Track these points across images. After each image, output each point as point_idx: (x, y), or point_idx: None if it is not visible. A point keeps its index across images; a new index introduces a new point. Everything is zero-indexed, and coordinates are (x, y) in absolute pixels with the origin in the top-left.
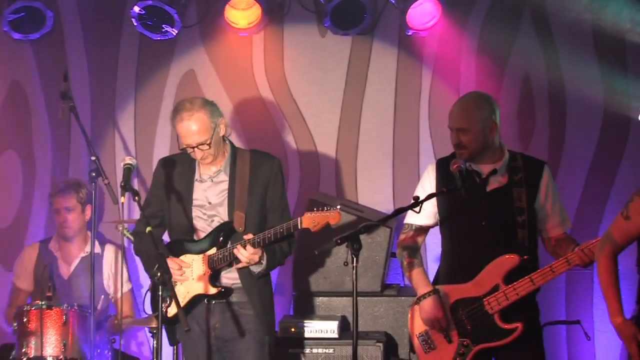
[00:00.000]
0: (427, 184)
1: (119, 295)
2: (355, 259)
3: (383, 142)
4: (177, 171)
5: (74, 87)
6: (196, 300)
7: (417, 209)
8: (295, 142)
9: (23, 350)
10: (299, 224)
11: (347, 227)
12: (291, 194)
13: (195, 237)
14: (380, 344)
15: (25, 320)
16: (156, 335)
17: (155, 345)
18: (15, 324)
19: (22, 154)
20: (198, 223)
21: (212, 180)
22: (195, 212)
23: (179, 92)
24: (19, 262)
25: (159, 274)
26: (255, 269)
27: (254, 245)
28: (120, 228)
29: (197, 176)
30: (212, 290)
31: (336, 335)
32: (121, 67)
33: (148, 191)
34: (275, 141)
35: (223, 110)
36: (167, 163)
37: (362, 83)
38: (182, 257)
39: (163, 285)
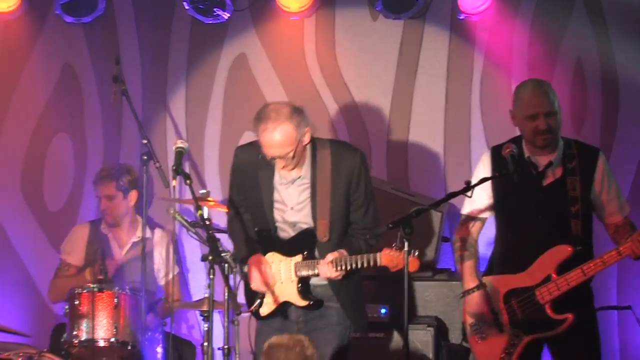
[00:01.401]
0: (482, 172)
1: (169, 278)
2: (406, 243)
3: (434, 126)
4: (254, 164)
5: (126, 70)
6: (285, 305)
7: (469, 193)
8: (346, 126)
9: (74, 332)
10: (378, 261)
11: (399, 212)
12: None
13: (277, 236)
14: (431, 329)
15: (77, 303)
16: (207, 318)
17: (207, 328)
18: (66, 307)
19: (74, 137)
20: (279, 224)
21: (293, 182)
22: (275, 214)
23: (230, 75)
24: (68, 240)
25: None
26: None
27: (335, 268)
28: (172, 211)
29: (277, 176)
30: (302, 303)
31: (386, 320)
32: (173, 50)
33: (231, 180)
34: (326, 125)
35: (275, 95)
36: (245, 153)
37: (413, 67)
38: (269, 255)
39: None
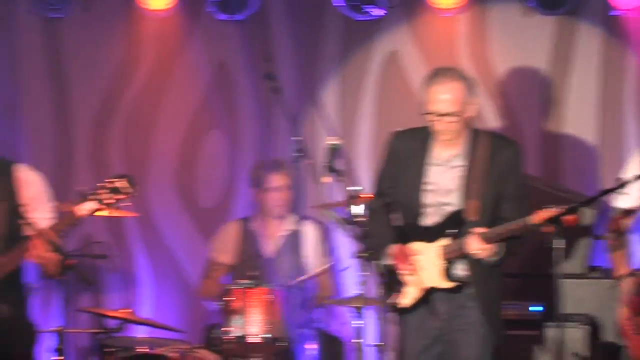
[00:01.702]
0: (636, 167)
1: (321, 273)
2: (560, 240)
3: (588, 124)
4: (410, 148)
5: (279, 67)
6: (431, 291)
7: (624, 190)
8: (498, 123)
9: (227, 328)
10: (529, 221)
11: None
12: None
13: (423, 223)
14: (585, 327)
15: (229, 299)
16: (359, 315)
17: (359, 325)
18: (220, 303)
19: (227, 135)
20: (427, 208)
21: (447, 164)
22: (426, 197)
23: (383, 72)
24: (218, 238)
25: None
26: (489, 259)
27: (485, 241)
28: (323, 208)
29: (430, 158)
30: (448, 284)
31: (540, 318)
32: (325, 47)
33: (380, 166)
34: (478, 121)
35: None
36: (401, 137)
37: (566, 65)
38: (412, 245)
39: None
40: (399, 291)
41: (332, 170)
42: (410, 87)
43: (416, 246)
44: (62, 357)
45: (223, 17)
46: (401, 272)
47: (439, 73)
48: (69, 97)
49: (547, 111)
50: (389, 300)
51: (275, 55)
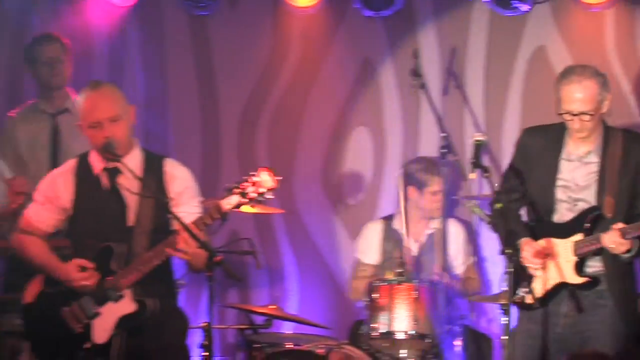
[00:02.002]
0: None
1: (466, 270)
2: None
3: None
4: (543, 145)
5: (424, 63)
6: (560, 287)
7: None
8: None
9: (373, 325)
10: None
11: None
12: None
13: (555, 219)
14: None
15: (375, 295)
16: (506, 312)
17: (505, 322)
18: (367, 299)
19: (373, 131)
20: (560, 205)
21: (580, 161)
22: (559, 193)
23: (529, 68)
24: (362, 238)
25: (506, 252)
26: (624, 255)
27: (623, 237)
28: (469, 205)
29: (564, 154)
30: (578, 280)
31: None
32: (471, 42)
33: (510, 162)
34: (626, 119)
35: None
36: (532, 134)
37: None
38: (543, 241)
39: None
40: (527, 287)
41: (478, 166)
42: None
43: (548, 242)
44: (208, 353)
45: (369, 13)
46: (531, 267)
47: (573, 71)
48: (216, 93)
49: None
50: (516, 296)
51: (422, 52)
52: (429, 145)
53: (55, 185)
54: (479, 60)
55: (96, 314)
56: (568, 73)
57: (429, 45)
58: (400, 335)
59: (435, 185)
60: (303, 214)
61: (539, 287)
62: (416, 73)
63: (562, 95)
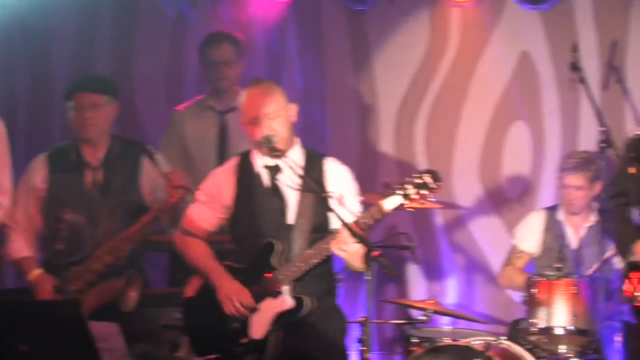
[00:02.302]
0: None
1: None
2: None
3: None
4: None
5: (584, 57)
6: None
7: None
8: None
9: (532, 320)
10: None
11: None
12: None
13: None
14: None
15: (534, 290)
16: None
17: None
18: (524, 294)
19: (532, 125)
20: None
21: None
22: None
23: None
24: (523, 226)
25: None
26: None
27: None
28: None
29: None
30: None
31: None
32: (631, 35)
33: (621, 165)
34: None
35: None
36: None
37: None
38: None
39: None
40: None
41: (638, 161)
42: None
43: None
44: (366, 348)
45: (527, 7)
46: None
47: None
48: (374, 88)
49: None
50: (632, 297)
51: (581, 45)
52: (589, 140)
53: (217, 184)
54: (639, 55)
55: (254, 309)
56: None
57: (588, 38)
58: (559, 331)
59: (569, 181)
60: (461, 209)
61: None
62: (575, 67)
63: None
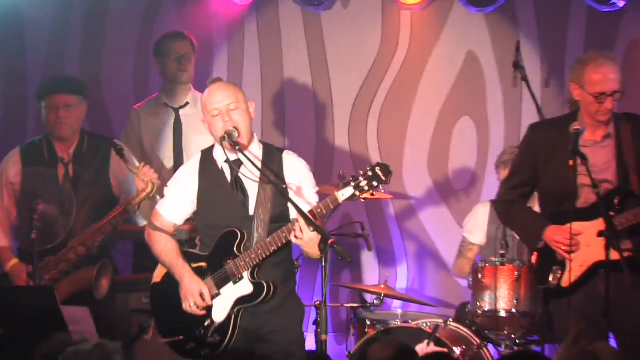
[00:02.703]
0: None
1: None
2: None
3: None
4: (555, 136)
5: (525, 57)
6: (596, 267)
7: None
8: None
9: (478, 303)
10: None
11: None
12: None
13: (578, 204)
14: None
15: (480, 276)
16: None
17: None
18: (470, 279)
19: (477, 121)
20: (582, 189)
21: (597, 145)
22: (581, 178)
23: (625, 61)
24: (470, 218)
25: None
26: None
27: None
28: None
29: (581, 142)
30: (614, 256)
31: None
32: (570, 37)
33: (518, 158)
34: None
35: None
36: (540, 129)
37: None
38: (570, 225)
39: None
40: (557, 272)
41: (575, 152)
42: None
43: (575, 226)
44: (321, 330)
45: (473, 9)
46: (561, 252)
47: (598, 55)
48: (329, 85)
49: None
50: (548, 282)
51: (522, 45)
52: None
53: (183, 180)
54: (577, 54)
55: (216, 294)
56: (593, 57)
57: (529, 39)
58: (503, 314)
59: (502, 174)
60: (411, 199)
61: (576, 267)
62: (518, 66)
63: (593, 78)
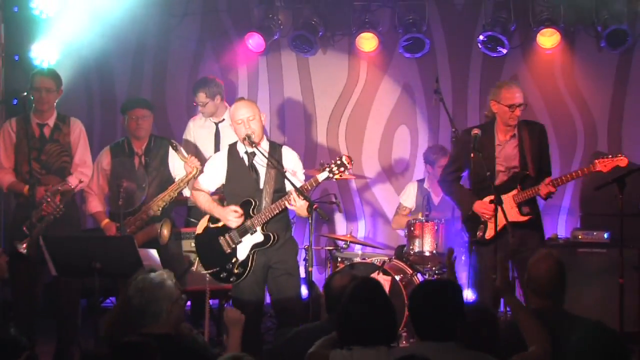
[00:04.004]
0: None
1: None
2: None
3: None
4: (480, 137)
5: (442, 86)
6: (506, 227)
7: None
8: None
9: (410, 247)
10: (590, 169)
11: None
12: None
13: (496, 183)
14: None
15: (412, 229)
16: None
17: None
18: (406, 231)
19: (410, 128)
20: (499, 173)
21: (507, 143)
22: (498, 166)
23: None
24: (404, 191)
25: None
26: (550, 197)
27: (554, 186)
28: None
29: (497, 141)
30: (521, 218)
31: (608, 242)
32: (471, 74)
33: (453, 152)
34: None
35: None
36: (469, 132)
37: None
38: (489, 198)
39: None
40: (482, 229)
41: (474, 148)
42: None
43: (494, 197)
44: (309, 264)
45: (407, 55)
46: (486, 216)
47: (510, 82)
48: (313, 104)
49: None
50: (476, 236)
51: (441, 79)
52: (445, 137)
53: (216, 162)
54: (476, 84)
55: (240, 242)
56: (507, 82)
57: (444, 74)
58: (427, 253)
59: (443, 162)
60: (367, 178)
61: (491, 227)
62: (437, 92)
63: (507, 95)
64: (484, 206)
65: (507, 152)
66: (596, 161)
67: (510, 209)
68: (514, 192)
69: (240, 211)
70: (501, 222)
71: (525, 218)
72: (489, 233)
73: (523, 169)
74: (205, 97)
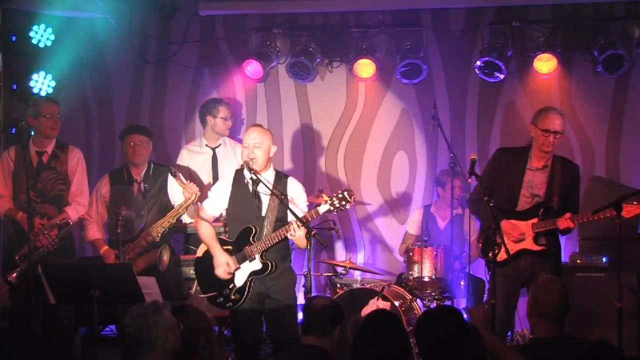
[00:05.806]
0: None
1: (473, 241)
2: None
3: None
4: (513, 159)
5: (440, 111)
6: (520, 253)
7: None
8: None
9: (410, 272)
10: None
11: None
12: None
13: (517, 208)
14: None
15: (411, 254)
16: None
17: None
18: (405, 257)
19: (409, 154)
20: (524, 198)
21: (538, 170)
22: (524, 190)
23: (505, 114)
24: (410, 218)
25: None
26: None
27: (573, 221)
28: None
29: (529, 165)
30: (536, 247)
31: (606, 266)
32: (469, 100)
33: (486, 170)
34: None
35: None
36: (504, 153)
37: None
38: (512, 222)
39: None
40: (494, 250)
41: (473, 174)
42: (523, 127)
43: (513, 221)
44: (308, 291)
45: (405, 81)
46: (511, 237)
47: (550, 108)
48: (312, 130)
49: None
50: (488, 256)
51: (438, 103)
52: (444, 161)
53: (221, 188)
54: (474, 111)
55: (238, 268)
56: (547, 108)
57: (442, 99)
58: (426, 279)
59: (455, 182)
60: (366, 205)
61: (509, 249)
62: (435, 117)
63: (544, 120)
64: (511, 227)
65: (536, 179)
66: (623, 205)
67: (527, 237)
68: (534, 220)
69: (234, 269)
70: (517, 247)
71: (539, 248)
72: (501, 255)
73: (548, 200)
74: (227, 111)
